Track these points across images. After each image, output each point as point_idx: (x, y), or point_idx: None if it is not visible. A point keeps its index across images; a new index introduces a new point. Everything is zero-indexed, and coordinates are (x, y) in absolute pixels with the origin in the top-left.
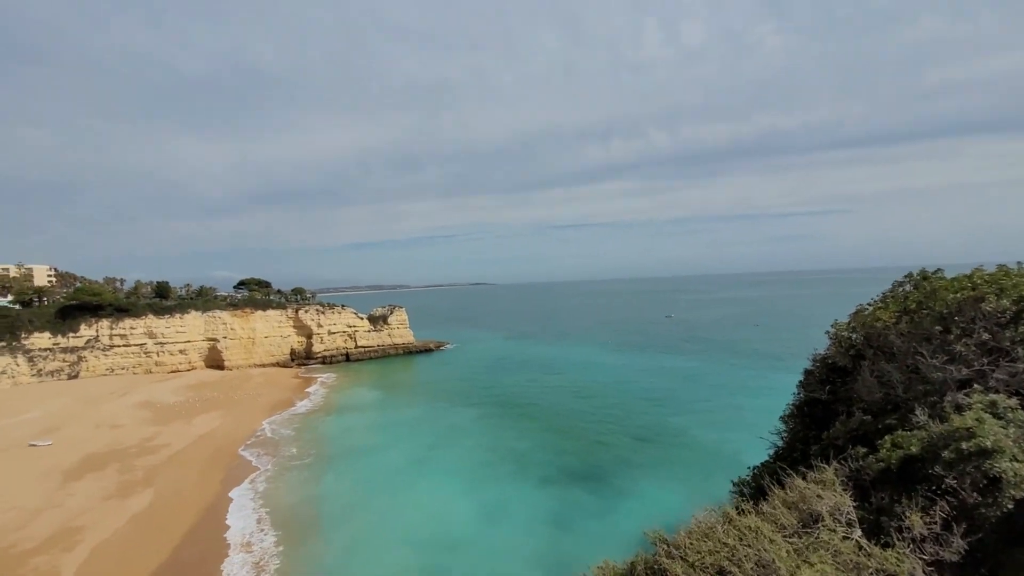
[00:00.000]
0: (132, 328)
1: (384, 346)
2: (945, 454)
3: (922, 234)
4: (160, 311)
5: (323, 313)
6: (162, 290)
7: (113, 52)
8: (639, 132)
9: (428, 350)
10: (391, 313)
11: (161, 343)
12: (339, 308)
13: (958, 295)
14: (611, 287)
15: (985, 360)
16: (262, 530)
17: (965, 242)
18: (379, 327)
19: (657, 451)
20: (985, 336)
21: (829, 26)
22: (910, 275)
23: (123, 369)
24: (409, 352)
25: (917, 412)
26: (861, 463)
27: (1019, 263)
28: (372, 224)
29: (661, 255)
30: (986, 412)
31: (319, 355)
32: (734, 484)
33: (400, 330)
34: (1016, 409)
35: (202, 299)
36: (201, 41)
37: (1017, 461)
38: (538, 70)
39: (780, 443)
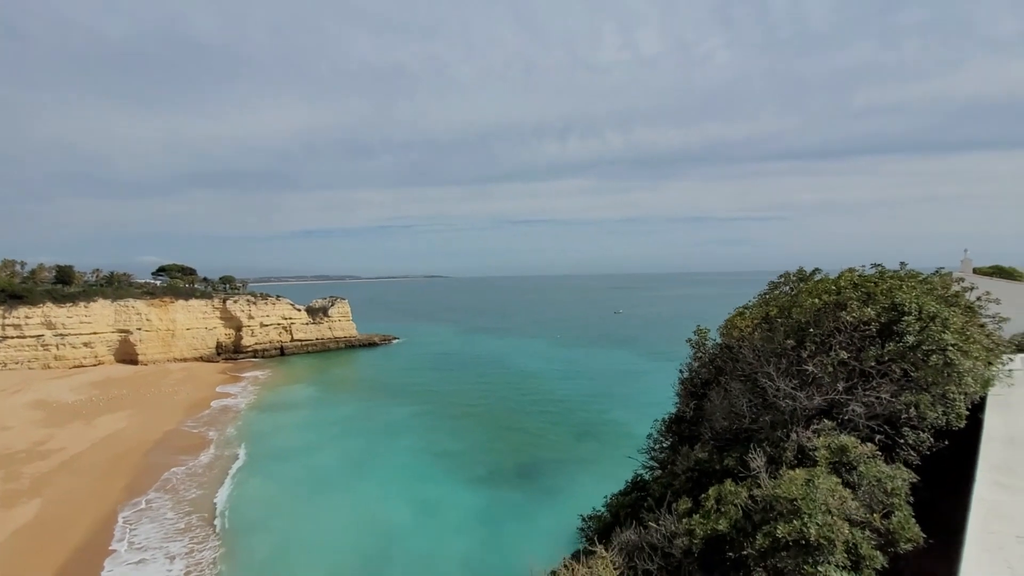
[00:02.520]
0: (28, 317)
1: (324, 339)
2: (759, 538)
3: (851, 242)
4: (61, 299)
5: (254, 304)
6: (64, 275)
7: (30, 15)
8: (596, 132)
9: (372, 344)
10: (332, 305)
11: (62, 335)
12: (273, 299)
13: (816, 301)
14: (565, 283)
15: (841, 386)
16: (175, 540)
17: (887, 251)
18: (318, 319)
19: (596, 446)
20: (843, 355)
21: (772, 45)
22: (787, 275)
23: (17, 363)
24: (351, 346)
25: (751, 455)
26: (675, 527)
27: (902, 264)
28: (322, 212)
29: (614, 253)
30: (831, 463)
31: (249, 349)
32: (584, 521)
33: (342, 323)
34: (872, 458)
35: (113, 286)
36: (129, 5)
37: (853, 567)
38: (497, 64)
39: (647, 463)
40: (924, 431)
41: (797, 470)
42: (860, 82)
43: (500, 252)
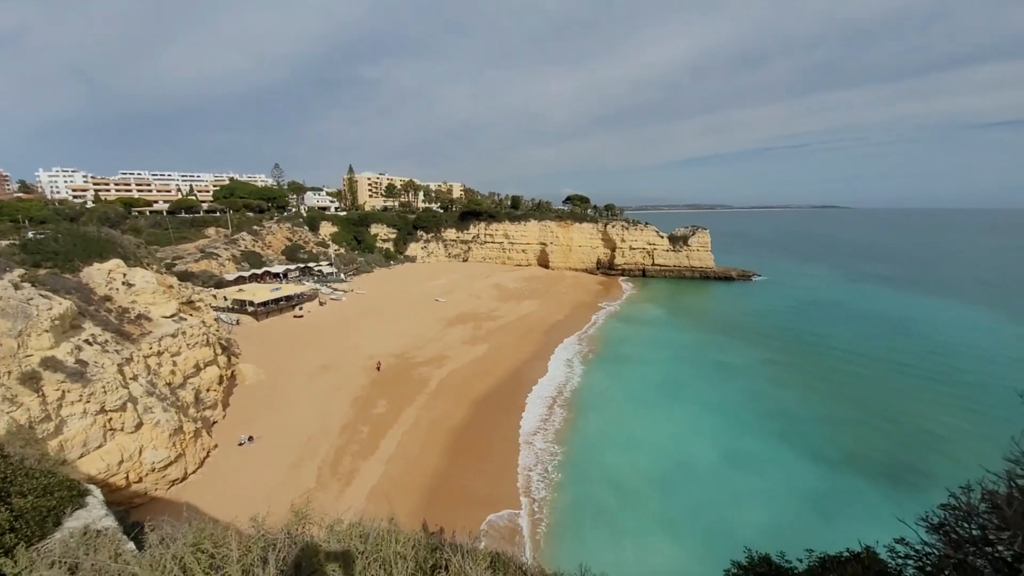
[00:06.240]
0: (496, 230)
1: (680, 267)
2: None
3: None
4: (513, 218)
5: (627, 229)
6: (515, 202)
7: (502, 4)
8: None
9: (729, 278)
10: (693, 234)
11: (512, 243)
12: (642, 225)
13: None
14: None
15: None
16: (548, 392)
17: None
18: (678, 247)
19: None
20: None
21: None
22: None
23: (490, 259)
24: (706, 277)
25: None
26: None
27: None
28: (702, 137)
29: None
30: None
31: (619, 267)
32: None
33: (700, 253)
34: None
35: (539, 211)
36: None
37: None
38: None
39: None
40: None
41: None
42: None
43: (942, 173)
